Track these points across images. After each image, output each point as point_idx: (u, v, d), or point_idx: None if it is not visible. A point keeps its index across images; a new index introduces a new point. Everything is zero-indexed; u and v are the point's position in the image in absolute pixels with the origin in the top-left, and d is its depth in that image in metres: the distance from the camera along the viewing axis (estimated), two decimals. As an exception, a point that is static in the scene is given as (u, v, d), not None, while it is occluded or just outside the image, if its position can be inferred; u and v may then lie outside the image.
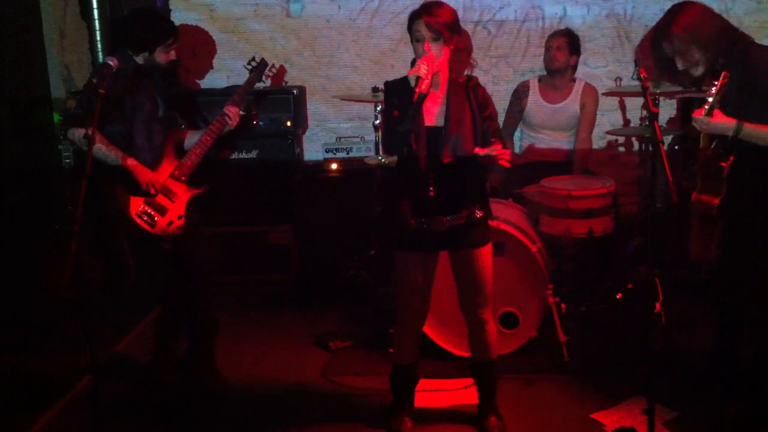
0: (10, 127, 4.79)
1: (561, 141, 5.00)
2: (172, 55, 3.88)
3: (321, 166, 5.36)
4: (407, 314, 3.56)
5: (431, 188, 3.32)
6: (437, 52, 3.25)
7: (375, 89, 4.66)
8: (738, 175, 3.29)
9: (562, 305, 4.18)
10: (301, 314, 4.90)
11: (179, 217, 3.83)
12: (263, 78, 4.24)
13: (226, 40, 5.65)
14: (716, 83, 3.03)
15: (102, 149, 3.67)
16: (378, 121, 4.59)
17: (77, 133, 3.67)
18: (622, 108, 5.43)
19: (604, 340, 4.32)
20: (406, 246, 3.44)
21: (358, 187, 5.17)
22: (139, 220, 3.78)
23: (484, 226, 3.47)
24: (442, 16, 3.24)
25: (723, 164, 3.27)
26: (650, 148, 4.75)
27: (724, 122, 3.13)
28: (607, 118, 5.47)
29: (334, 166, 5.27)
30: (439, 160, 3.27)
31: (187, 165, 3.86)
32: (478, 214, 3.40)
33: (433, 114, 3.33)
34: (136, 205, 3.78)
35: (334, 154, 5.34)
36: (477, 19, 5.50)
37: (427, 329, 4.01)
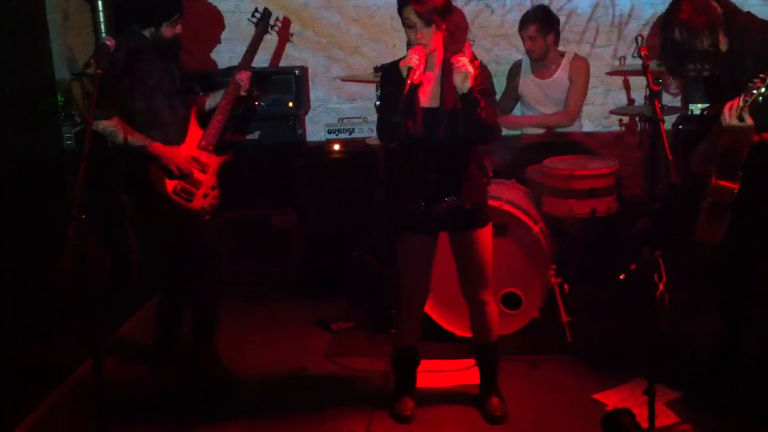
0: (16, 112, 4.78)
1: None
2: (178, 29, 3.87)
3: (323, 147, 5.33)
4: (408, 296, 3.57)
5: (431, 171, 3.32)
6: (429, 38, 3.23)
7: (377, 69, 4.63)
8: (756, 165, 3.26)
9: (565, 286, 4.17)
10: (304, 298, 4.91)
11: (213, 188, 3.86)
12: (270, 30, 4.29)
13: (226, 21, 5.61)
14: (762, 76, 2.95)
15: (127, 139, 3.68)
16: (378, 103, 4.56)
17: (100, 126, 3.67)
18: (626, 87, 5.38)
19: (608, 321, 4.32)
20: (406, 228, 3.44)
21: (362, 168, 5.13)
22: (176, 198, 3.77)
23: (484, 208, 3.46)
24: (431, 1, 3.20)
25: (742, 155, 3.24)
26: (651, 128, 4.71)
27: (748, 130, 3.08)
28: (611, 98, 5.43)
29: (336, 147, 5.24)
30: (438, 142, 3.27)
31: (211, 134, 3.89)
32: (477, 196, 3.39)
33: (429, 95, 3.32)
34: (171, 183, 3.77)
35: (337, 135, 5.31)
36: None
37: (431, 311, 4.03)
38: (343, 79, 5.38)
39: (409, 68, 3.14)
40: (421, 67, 3.18)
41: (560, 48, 5.03)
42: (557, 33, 4.93)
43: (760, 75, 2.92)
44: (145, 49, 3.78)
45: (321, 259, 5.12)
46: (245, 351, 4.27)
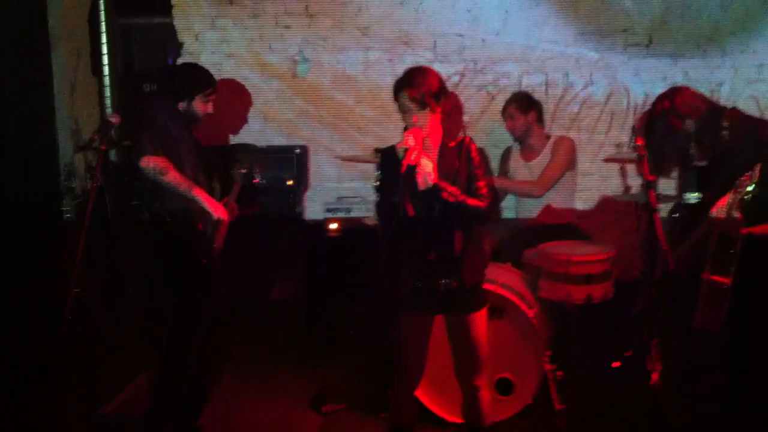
0: (17, 180, 4.83)
1: (550, 199, 4.97)
2: (209, 107, 3.97)
3: (321, 225, 5.36)
4: (403, 375, 3.53)
5: (428, 251, 3.32)
6: (424, 120, 3.30)
7: (377, 150, 4.68)
8: (749, 259, 3.27)
9: (559, 372, 4.12)
10: (301, 371, 4.85)
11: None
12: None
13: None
14: (749, 174, 2.98)
15: (174, 178, 3.76)
16: (377, 183, 4.60)
17: (151, 163, 3.74)
18: (623, 174, 5.43)
19: (603, 409, 4.25)
20: (403, 308, 3.42)
21: (359, 245, 5.15)
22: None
23: (479, 291, 3.46)
24: (425, 84, 3.28)
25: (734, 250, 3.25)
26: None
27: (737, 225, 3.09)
28: (608, 184, 5.48)
29: (334, 225, 5.27)
30: (435, 223, 3.30)
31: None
32: (474, 277, 3.39)
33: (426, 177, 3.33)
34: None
35: (334, 213, 5.35)
36: (479, 83, 5.54)
37: (420, 393, 3.96)
38: (343, 159, 5.43)
39: (405, 149, 3.19)
40: (418, 148, 3.23)
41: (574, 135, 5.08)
42: (539, 112, 5.02)
43: (747, 173, 2.95)
44: (181, 122, 3.89)
45: (321, 333, 5.08)
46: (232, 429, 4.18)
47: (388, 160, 3.37)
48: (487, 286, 4.02)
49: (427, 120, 3.31)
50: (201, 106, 3.94)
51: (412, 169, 3.24)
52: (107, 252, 4.37)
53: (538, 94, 5.18)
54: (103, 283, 4.79)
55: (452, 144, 3.40)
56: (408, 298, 3.38)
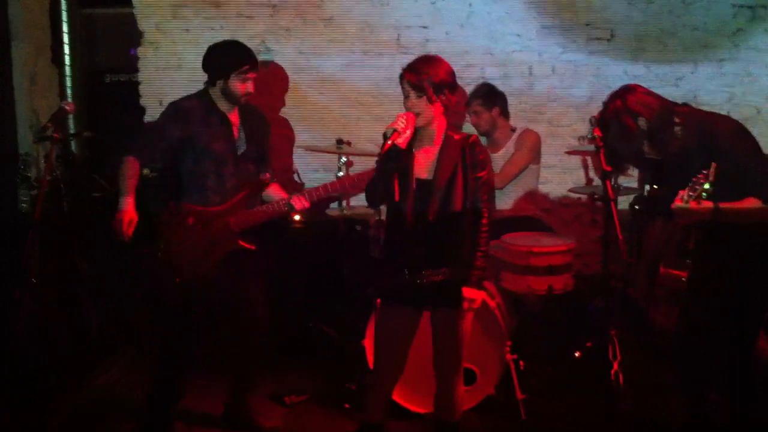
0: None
1: (513, 192, 4.96)
2: (249, 86, 3.73)
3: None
4: (380, 368, 3.50)
5: (417, 241, 3.30)
6: (420, 108, 3.27)
7: (339, 141, 4.67)
8: (706, 251, 3.30)
9: (521, 362, 4.14)
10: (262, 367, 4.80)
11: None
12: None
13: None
14: (705, 173, 3.00)
15: (118, 182, 3.63)
16: (341, 173, 4.58)
17: (123, 163, 3.63)
18: (585, 166, 5.48)
19: (563, 399, 4.28)
20: (389, 297, 3.41)
21: (323, 238, 5.13)
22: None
23: (478, 267, 3.34)
24: (428, 72, 3.24)
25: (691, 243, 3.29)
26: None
27: (702, 208, 3.10)
28: (570, 177, 5.52)
29: (297, 217, 5.23)
30: (426, 214, 3.28)
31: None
32: (462, 272, 3.33)
33: (425, 167, 3.33)
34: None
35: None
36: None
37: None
38: (306, 149, 5.40)
39: (393, 130, 3.19)
40: (407, 131, 3.22)
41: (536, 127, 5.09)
42: (502, 107, 4.98)
43: (704, 171, 2.98)
44: (203, 109, 3.73)
45: (282, 328, 5.03)
46: (195, 422, 4.14)
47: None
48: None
49: (425, 108, 3.27)
50: (239, 85, 3.69)
51: (396, 150, 3.23)
52: (62, 244, 4.26)
53: (501, 88, 5.20)
54: (58, 277, 4.67)
55: (457, 137, 3.35)
56: (395, 287, 3.36)
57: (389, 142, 3.18)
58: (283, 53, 5.62)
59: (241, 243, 3.75)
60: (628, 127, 3.25)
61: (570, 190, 5.23)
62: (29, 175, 4.94)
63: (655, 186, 4.78)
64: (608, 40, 5.54)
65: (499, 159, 4.92)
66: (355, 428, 3.63)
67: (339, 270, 5.18)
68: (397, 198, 3.29)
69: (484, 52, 5.56)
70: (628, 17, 5.52)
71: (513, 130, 5.01)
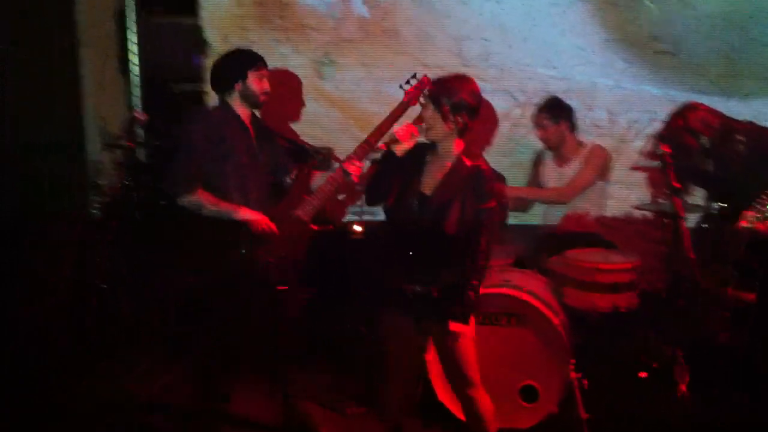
0: (39, 177, 4.85)
1: (579, 207, 4.92)
2: (266, 85, 3.79)
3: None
4: (389, 372, 3.50)
5: (404, 253, 3.29)
6: (431, 121, 3.26)
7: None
8: None
9: (584, 381, 4.09)
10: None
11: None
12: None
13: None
14: (765, 200, 2.94)
15: (214, 209, 3.64)
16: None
17: (185, 201, 3.66)
18: (650, 183, 5.38)
19: (629, 419, 4.20)
20: (384, 306, 3.42)
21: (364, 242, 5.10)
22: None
23: (463, 302, 3.27)
24: (450, 89, 3.24)
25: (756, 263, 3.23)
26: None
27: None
28: (633, 193, 5.44)
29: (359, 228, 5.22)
30: (417, 228, 3.27)
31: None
32: (451, 287, 3.27)
33: (430, 183, 3.33)
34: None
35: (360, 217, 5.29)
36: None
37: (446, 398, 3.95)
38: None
39: (394, 136, 3.26)
40: (406, 143, 3.26)
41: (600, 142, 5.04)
42: (570, 120, 4.93)
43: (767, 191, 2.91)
44: (224, 122, 3.76)
45: (313, 331, 5.02)
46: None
47: (411, 153, 3.35)
48: (512, 292, 4.03)
49: (436, 123, 3.25)
50: (257, 83, 3.75)
51: (391, 155, 3.28)
52: (132, 249, 4.33)
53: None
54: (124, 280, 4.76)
55: (468, 163, 3.31)
56: (390, 299, 3.37)
57: (386, 143, 3.23)
58: (346, 65, 5.64)
59: (315, 228, 3.77)
60: (689, 145, 3.20)
61: (636, 207, 5.14)
62: (101, 183, 5.02)
63: (723, 204, 4.67)
64: (673, 54, 5.46)
65: (566, 174, 4.87)
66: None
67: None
68: (390, 203, 3.29)
69: (547, 65, 5.52)
70: (695, 31, 5.43)
71: (580, 144, 4.96)
